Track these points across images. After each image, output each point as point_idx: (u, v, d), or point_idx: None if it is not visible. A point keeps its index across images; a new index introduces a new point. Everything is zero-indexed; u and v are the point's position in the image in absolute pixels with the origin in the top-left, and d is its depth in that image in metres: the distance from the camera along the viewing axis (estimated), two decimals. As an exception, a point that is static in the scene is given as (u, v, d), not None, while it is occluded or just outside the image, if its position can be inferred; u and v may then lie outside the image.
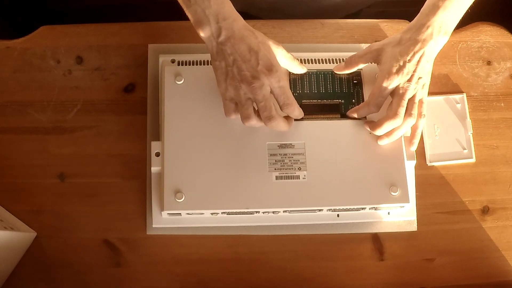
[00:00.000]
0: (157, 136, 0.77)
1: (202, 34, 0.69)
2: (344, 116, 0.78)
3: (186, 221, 0.75)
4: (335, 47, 0.85)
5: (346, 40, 0.86)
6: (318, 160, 0.74)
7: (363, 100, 0.78)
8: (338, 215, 0.76)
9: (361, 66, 0.78)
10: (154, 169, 0.75)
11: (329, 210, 0.75)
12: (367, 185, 0.73)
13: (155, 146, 0.75)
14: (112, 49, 0.83)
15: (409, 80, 0.73)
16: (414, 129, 0.76)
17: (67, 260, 0.75)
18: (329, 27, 0.86)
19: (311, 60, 0.80)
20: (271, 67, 0.70)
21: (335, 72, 0.79)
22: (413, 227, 0.78)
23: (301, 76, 0.79)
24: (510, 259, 0.78)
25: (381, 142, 0.75)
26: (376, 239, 0.77)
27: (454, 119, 0.82)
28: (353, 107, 0.78)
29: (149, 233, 0.76)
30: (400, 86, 0.73)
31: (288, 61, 0.74)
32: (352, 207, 0.74)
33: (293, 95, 0.73)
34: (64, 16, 1.38)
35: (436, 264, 0.77)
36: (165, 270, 0.75)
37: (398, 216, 0.77)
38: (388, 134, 0.75)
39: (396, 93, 0.74)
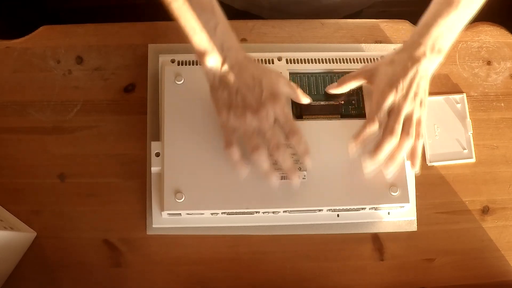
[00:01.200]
0: (157, 136, 0.77)
1: (206, 63, 0.69)
2: (344, 116, 0.78)
3: (186, 221, 0.75)
4: (335, 47, 0.85)
5: (346, 40, 0.86)
6: (318, 160, 0.74)
7: (363, 101, 0.78)
8: (338, 215, 0.76)
9: (353, 85, 0.77)
10: (154, 169, 0.75)
11: (329, 210, 0.75)
12: (367, 185, 0.73)
13: (155, 146, 0.75)
14: (112, 49, 0.83)
15: (405, 96, 0.71)
16: (413, 150, 0.73)
17: (67, 260, 0.75)
18: (329, 27, 0.86)
19: (311, 60, 0.80)
20: (275, 95, 0.69)
21: (328, 91, 0.78)
22: (413, 227, 0.78)
23: (301, 77, 0.79)
24: (510, 259, 0.78)
25: (389, 173, 0.73)
26: (376, 239, 0.77)
27: (454, 119, 0.82)
28: (353, 108, 0.78)
29: (149, 233, 0.76)
30: (396, 103, 0.72)
31: (291, 91, 0.74)
32: (352, 207, 0.74)
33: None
34: (64, 16, 1.38)
35: (436, 264, 0.77)
36: (165, 270, 0.75)
37: (398, 216, 0.77)
38: (389, 159, 0.72)
39: (392, 111, 0.72)
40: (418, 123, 0.73)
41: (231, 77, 0.69)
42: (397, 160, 0.72)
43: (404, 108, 0.72)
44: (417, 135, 0.73)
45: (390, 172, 0.73)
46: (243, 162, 0.71)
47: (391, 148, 0.72)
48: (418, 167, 0.74)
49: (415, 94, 0.72)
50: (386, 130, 0.71)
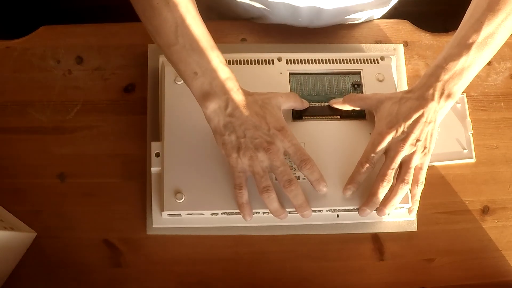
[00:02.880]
0: (157, 136, 0.77)
1: (210, 106, 0.67)
2: (344, 117, 0.78)
3: (186, 221, 0.75)
4: (335, 47, 0.85)
5: (346, 40, 0.86)
6: (318, 160, 0.74)
7: (363, 102, 0.78)
8: (338, 216, 0.76)
9: (357, 107, 0.76)
10: (154, 169, 0.75)
11: (329, 210, 0.75)
12: (367, 186, 0.73)
13: (155, 146, 0.75)
14: (112, 49, 0.83)
15: (404, 140, 0.70)
16: (411, 197, 0.73)
17: (67, 260, 0.75)
18: (329, 27, 0.86)
19: (311, 60, 0.80)
20: (281, 127, 0.69)
21: (332, 105, 0.77)
22: (413, 227, 0.78)
23: (301, 77, 0.79)
24: (510, 259, 0.78)
25: (380, 214, 0.72)
26: (376, 239, 0.77)
27: (454, 119, 0.82)
28: (353, 109, 0.78)
29: (149, 233, 0.76)
30: (393, 146, 0.70)
31: (293, 103, 0.74)
32: (352, 207, 0.74)
33: None
34: (64, 16, 1.38)
35: (436, 264, 0.77)
36: (165, 270, 0.75)
37: (398, 216, 0.77)
38: (383, 203, 0.71)
39: (387, 154, 0.71)
40: (418, 170, 0.71)
41: (236, 119, 0.67)
42: (391, 207, 0.72)
43: (400, 153, 0.70)
44: (415, 181, 0.72)
45: (382, 214, 0.72)
46: (250, 206, 0.71)
47: (384, 193, 0.71)
48: (414, 214, 0.75)
49: (417, 139, 0.70)
50: (379, 175, 0.71)
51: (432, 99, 0.70)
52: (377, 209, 0.73)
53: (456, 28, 0.86)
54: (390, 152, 0.71)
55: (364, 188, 0.73)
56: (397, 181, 0.71)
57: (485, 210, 0.80)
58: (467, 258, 0.78)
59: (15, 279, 0.74)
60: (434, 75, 0.71)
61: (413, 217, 0.77)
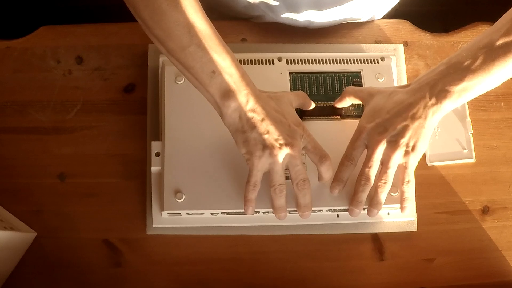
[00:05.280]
0: (157, 136, 0.77)
1: (232, 105, 0.65)
2: (344, 117, 0.78)
3: (186, 221, 0.75)
4: (335, 47, 0.85)
5: (346, 40, 0.86)
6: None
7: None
8: (338, 216, 0.76)
9: (352, 101, 0.75)
10: (154, 169, 0.75)
11: (329, 210, 0.75)
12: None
13: (155, 146, 0.75)
14: (112, 49, 0.83)
15: (380, 137, 0.67)
16: (400, 195, 0.72)
17: (67, 260, 0.75)
18: (329, 27, 0.86)
19: (311, 60, 0.80)
20: (299, 123, 0.68)
21: (335, 105, 0.77)
22: (413, 227, 0.78)
23: (302, 77, 0.79)
24: (510, 259, 0.78)
25: (370, 215, 0.72)
26: (376, 239, 0.77)
27: (454, 119, 0.82)
28: (353, 108, 0.78)
29: (149, 233, 0.76)
30: (370, 143, 0.68)
31: (302, 100, 0.73)
32: (352, 207, 0.74)
33: None
34: (64, 16, 1.38)
35: (436, 264, 0.77)
36: (165, 270, 0.75)
37: (398, 216, 0.77)
38: (370, 203, 0.71)
39: (367, 151, 0.69)
40: (402, 169, 0.69)
41: (258, 115, 0.65)
42: (376, 206, 0.71)
43: (376, 150, 0.68)
44: (401, 181, 0.70)
45: (372, 215, 0.72)
46: (255, 204, 0.70)
47: (365, 192, 0.70)
48: (405, 212, 0.73)
49: (399, 136, 0.67)
50: (359, 174, 0.70)
51: (424, 94, 0.67)
52: (367, 210, 0.73)
53: (456, 28, 0.86)
54: (368, 150, 0.69)
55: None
56: (375, 181, 0.70)
57: (485, 210, 0.80)
58: (467, 258, 0.78)
59: (15, 279, 0.74)
60: (434, 71, 0.68)
61: (413, 217, 0.77)
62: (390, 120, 0.68)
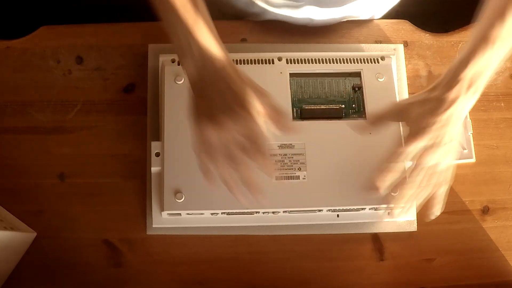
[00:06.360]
0: (157, 136, 0.77)
1: (183, 66, 0.66)
2: (344, 117, 0.78)
3: (186, 221, 0.75)
4: (335, 47, 0.85)
5: (346, 40, 0.86)
6: (318, 160, 0.74)
7: (363, 104, 0.78)
8: (338, 215, 0.76)
9: (387, 124, 0.73)
10: (154, 169, 0.75)
11: (329, 210, 0.75)
12: (367, 186, 0.73)
13: (155, 146, 0.75)
14: (112, 49, 0.83)
15: (432, 147, 0.67)
16: (432, 197, 0.72)
17: (67, 260, 0.75)
18: (329, 27, 0.86)
19: (312, 60, 0.80)
20: (261, 92, 0.66)
21: (359, 132, 0.74)
22: (413, 227, 0.78)
23: (302, 78, 0.79)
24: (510, 259, 0.78)
25: (396, 214, 0.73)
26: (376, 239, 0.77)
27: (454, 119, 0.82)
28: (353, 111, 0.78)
29: (149, 233, 0.76)
30: (421, 153, 0.68)
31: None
32: (352, 207, 0.74)
33: (294, 101, 0.74)
34: (64, 16, 1.38)
35: (436, 264, 0.77)
36: (165, 270, 0.75)
37: (398, 216, 0.77)
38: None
39: (418, 158, 0.68)
40: (443, 172, 0.70)
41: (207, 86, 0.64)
42: (409, 208, 0.74)
43: (427, 159, 0.68)
44: (439, 183, 0.70)
45: (397, 215, 0.74)
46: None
47: (409, 195, 0.71)
48: (437, 213, 0.73)
49: (444, 144, 0.68)
50: (409, 180, 0.69)
51: (459, 95, 0.67)
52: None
53: (456, 28, 0.86)
54: (419, 158, 0.68)
55: (365, 188, 0.73)
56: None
57: (485, 210, 0.80)
58: (467, 258, 0.78)
59: (15, 279, 0.74)
60: (460, 69, 0.67)
61: (413, 217, 0.77)
62: (436, 129, 0.67)
